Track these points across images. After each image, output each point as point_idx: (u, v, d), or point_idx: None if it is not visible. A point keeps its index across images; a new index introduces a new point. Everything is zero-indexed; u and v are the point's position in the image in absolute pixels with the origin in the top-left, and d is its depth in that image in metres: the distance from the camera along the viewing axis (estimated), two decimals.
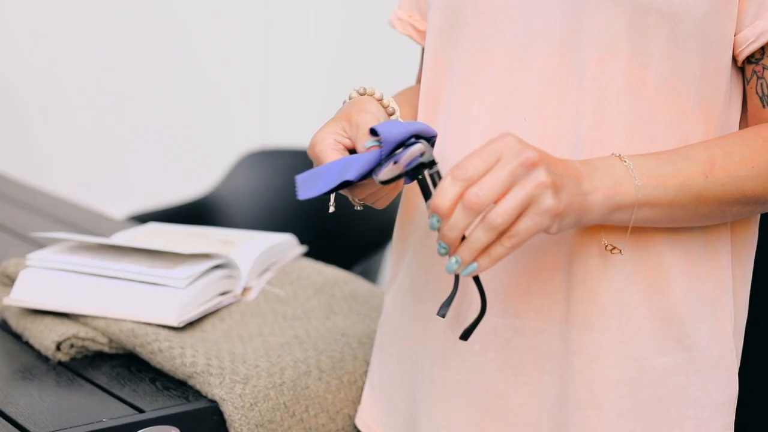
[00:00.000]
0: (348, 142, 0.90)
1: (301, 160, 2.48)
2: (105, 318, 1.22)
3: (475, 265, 0.82)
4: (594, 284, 0.93)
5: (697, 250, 0.94)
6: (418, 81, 1.13)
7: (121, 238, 1.41)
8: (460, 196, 0.80)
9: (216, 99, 2.85)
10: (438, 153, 0.95)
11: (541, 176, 0.81)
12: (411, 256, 1.05)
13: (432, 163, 0.85)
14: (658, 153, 0.90)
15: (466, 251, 0.81)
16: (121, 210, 2.36)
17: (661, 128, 0.91)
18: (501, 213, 0.80)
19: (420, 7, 1.08)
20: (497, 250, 0.81)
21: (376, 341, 1.14)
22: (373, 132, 0.88)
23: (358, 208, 0.95)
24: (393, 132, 0.87)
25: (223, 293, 1.31)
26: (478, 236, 0.81)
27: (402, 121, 0.97)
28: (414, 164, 0.84)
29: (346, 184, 0.86)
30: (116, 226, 1.80)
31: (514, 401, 0.97)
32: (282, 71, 2.90)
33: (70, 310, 1.24)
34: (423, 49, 1.11)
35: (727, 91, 0.93)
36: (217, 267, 1.29)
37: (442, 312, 0.86)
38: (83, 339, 1.21)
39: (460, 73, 0.98)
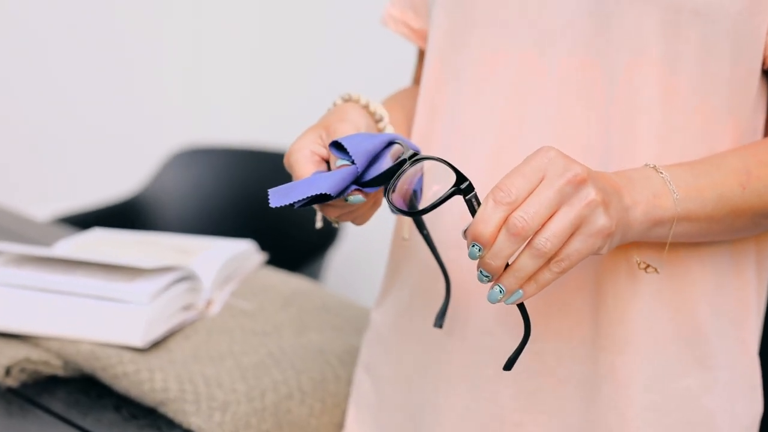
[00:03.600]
0: (325, 153, 0.82)
1: (232, 158, 2.37)
2: (59, 339, 1.11)
3: (520, 292, 0.74)
4: (624, 305, 0.87)
5: (723, 264, 0.89)
6: (416, 82, 1.05)
7: (69, 249, 1.29)
8: (504, 221, 0.72)
9: (142, 93, 2.71)
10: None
11: (591, 194, 0.73)
12: (408, 274, 0.98)
13: (413, 158, 0.76)
14: (691, 163, 0.84)
15: (511, 279, 0.73)
16: (40, 211, 2.21)
17: (692, 137, 0.86)
18: (550, 237, 0.72)
19: (414, 4, 1.01)
20: (545, 275, 0.73)
21: (362, 360, 1.06)
22: (337, 146, 0.80)
23: (336, 225, 0.87)
24: (363, 144, 0.79)
25: (185, 307, 1.21)
26: (525, 264, 0.72)
27: (390, 127, 0.90)
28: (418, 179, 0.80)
29: (322, 198, 0.78)
30: (47, 230, 1.67)
31: (531, 431, 0.91)
32: (211, 66, 2.79)
33: (20, 331, 1.12)
34: (419, 50, 1.04)
35: (755, 97, 0.88)
36: (179, 280, 1.19)
37: (440, 323, 0.84)
38: (35, 362, 1.09)
39: (466, 77, 0.91)
